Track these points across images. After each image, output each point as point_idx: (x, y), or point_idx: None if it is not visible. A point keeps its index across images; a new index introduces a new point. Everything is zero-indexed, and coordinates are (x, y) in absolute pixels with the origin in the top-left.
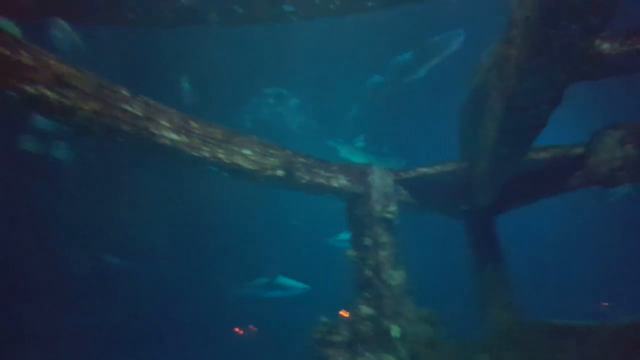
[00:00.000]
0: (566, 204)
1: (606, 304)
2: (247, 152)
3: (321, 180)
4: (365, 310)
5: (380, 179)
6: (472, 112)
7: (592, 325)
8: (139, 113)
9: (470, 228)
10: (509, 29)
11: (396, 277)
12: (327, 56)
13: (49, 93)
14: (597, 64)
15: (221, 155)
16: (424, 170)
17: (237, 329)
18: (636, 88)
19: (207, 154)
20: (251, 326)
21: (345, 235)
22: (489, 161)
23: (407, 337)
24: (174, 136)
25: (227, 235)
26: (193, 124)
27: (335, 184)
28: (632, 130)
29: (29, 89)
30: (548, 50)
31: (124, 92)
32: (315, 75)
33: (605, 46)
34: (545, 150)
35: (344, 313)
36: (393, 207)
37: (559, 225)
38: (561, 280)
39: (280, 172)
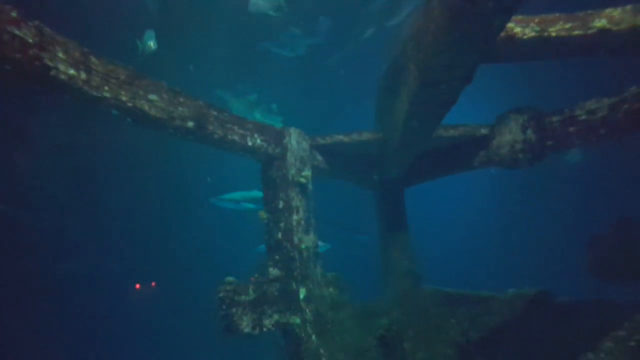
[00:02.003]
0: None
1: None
2: (153, 97)
3: (235, 137)
4: (274, 272)
5: (296, 142)
6: (389, 84)
7: (482, 294)
8: (30, 40)
9: (380, 198)
10: (429, 0)
11: (307, 240)
12: None
13: None
14: (509, 46)
15: (124, 98)
16: (340, 137)
17: (137, 285)
18: (545, 74)
19: (107, 95)
20: (153, 283)
21: (230, 195)
22: (402, 133)
23: (313, 299)
24: (71, 71)
25: (133, 188)
26: (94, 59)
27: (249, 142)
28: (534, 115)
29: None
30: (464, 25)
31: (13, 13)
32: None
33: (517, 30)
34: (455, 128)
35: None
36: (308, 172)
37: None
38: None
39: (190, 124)
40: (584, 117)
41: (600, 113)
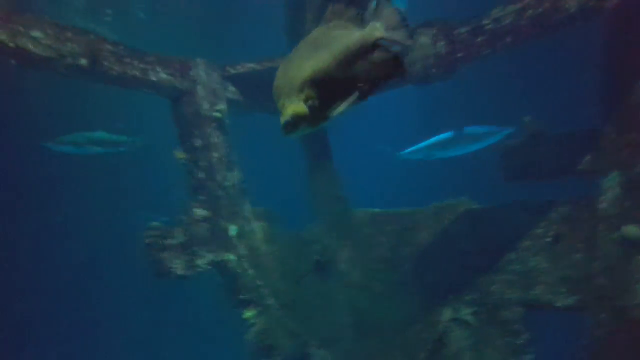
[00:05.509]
0: None
1: None
2: (37, 34)
3: (136, 73)
4: (201, 212)
5: (205, 74)
6: (297, 2)
7: (408, 211)
8: None
9: None
10: None
11: (230, 177)
12: None
13: None
14: None
15: (2, 37)
16: (252, 65)
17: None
18: None
19: None
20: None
21: (70, 138)
22: None
23: (245, 234)
24: None
25: None
26: None
27: (153, 77)
28: (443, 28)
29: None
30: None
31: None
32: None
33: None
34: None
35: None
36: (222, 105)
37: None
38: None
39: (83, 61)
40: (490, 25)
41: (505, 21)
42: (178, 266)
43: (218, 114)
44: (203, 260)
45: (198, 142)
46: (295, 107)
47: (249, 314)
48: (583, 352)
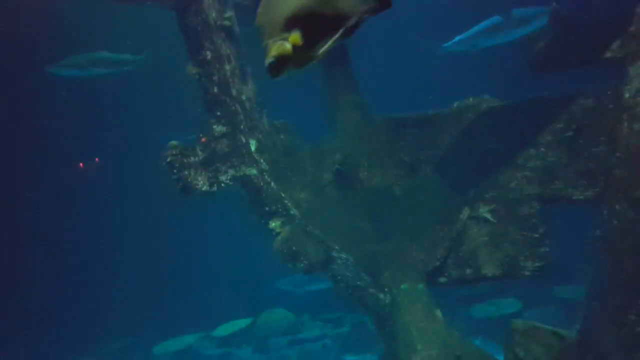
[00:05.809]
0: None
1: None
2: None
3: None
4: (219, 128)
5: None
6: None
7: (428, 113)
8: None
9: None
10: None
11: (246, 91)
12: None
13: None
14: None
15: None
16: None
17: (81, 164)
18: None
19: None
20: (97, 159)
21: (71, 60)
22: None
23: (265, 148)
24: None
25: None
26: None
27: None
28: None
29: None
30: None
31: None
32: None
33: None
34: None
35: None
36: (230, 13)
37: None
38: None
39: None
40: None
41: None
42: (202, 183)
43: (227, 22)
44: (226, 176)
45: (209, 55)
46: (279, 47)
47: (274, 224)
48: (598, 243)
